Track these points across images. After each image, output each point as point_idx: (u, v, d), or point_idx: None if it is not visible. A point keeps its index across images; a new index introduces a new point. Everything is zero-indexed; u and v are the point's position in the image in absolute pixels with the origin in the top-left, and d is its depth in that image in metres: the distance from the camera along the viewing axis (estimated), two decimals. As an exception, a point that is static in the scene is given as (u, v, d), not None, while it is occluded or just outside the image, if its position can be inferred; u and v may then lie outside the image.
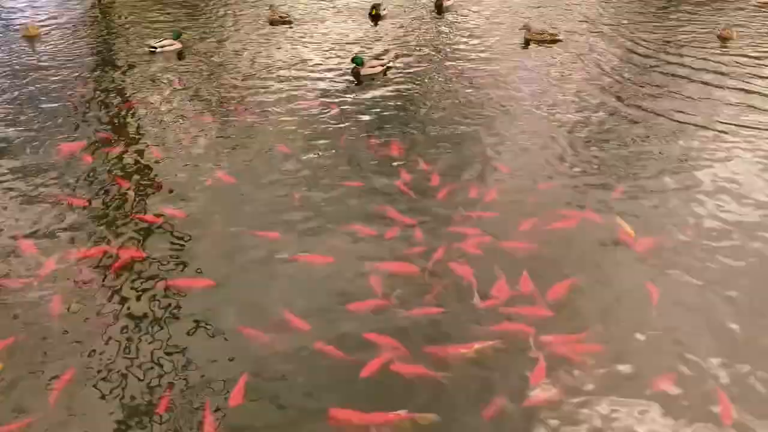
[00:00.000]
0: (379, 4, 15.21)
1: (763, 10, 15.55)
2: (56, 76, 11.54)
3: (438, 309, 5.69)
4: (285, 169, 8.16)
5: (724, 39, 13.00)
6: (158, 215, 7.13)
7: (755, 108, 9.87)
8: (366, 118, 9.75)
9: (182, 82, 11.28)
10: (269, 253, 6.47)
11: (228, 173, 8.00)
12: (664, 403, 4.77)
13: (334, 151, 8.66)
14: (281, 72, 11.69)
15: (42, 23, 14.72)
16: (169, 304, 5.80)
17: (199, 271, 6.26)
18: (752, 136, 8.97)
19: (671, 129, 9.23)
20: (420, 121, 9.63)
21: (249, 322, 5.54)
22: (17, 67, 12.05)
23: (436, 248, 6.45)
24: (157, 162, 8.42)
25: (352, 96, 10.59)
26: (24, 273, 6.21)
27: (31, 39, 13.68)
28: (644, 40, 13.26)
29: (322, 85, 11.09)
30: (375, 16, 15.10)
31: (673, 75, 11.36)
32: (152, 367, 5.13)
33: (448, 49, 13.11)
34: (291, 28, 14.57)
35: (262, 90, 10.86)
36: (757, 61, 11.82)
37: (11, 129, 9.34)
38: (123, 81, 11.41)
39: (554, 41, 13.22)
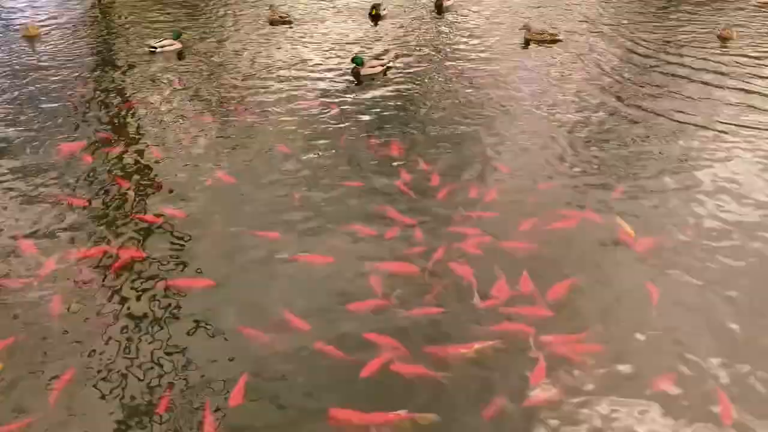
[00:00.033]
0: (379, 4, 15.20)
1: (763, 10, 15.54)
2: (56, 76, 11.53)
3: (438, 309, 5.69)
4: (285, 169, 8.16)
5: (724, 39, 13.00)
6: (158, 215, 7.13)
7: (755, 108, 9.87)
8: (366, 118, 9.75)
9: (182, 82, 11.28)
10: (269, 253, 6.47)
11: (228, 173, 8.00)
12: (664, 403, 4.76)
13: (334, 151, 8.66)
14: (281, 72, 11.69)
15: (42, 23, 14.71)
16: (169, 304, 5.80)
17: (199, 271, 6.26)
18: (752, 136, 8.97)
19: (671, 129, 9.24)
20: (420, 121, 9.63)
21: (249, 322, 5.54)
22: (17, 67, 12.05)
23: (436, 248, 6.45)
24: (157, 162, 8.42)
25: (352, 96, 10.59)
26: (24, 273, 6.21)
27: (31, 39, 13.68)
28: (644, 40, 13.26)
29: (322, 85, 11.09)
30: (375, 16, 15.10)
31: (673, 75, 11.36)
32: (152, 367, 5.14)
33: (448, 49, 13.11)
34: (291, 28, 14.56)
35: (262, 90, 10.85)
36: (757, 61, 11.82)
37: (11, 129, 9.34)
38: (123, 81, 11.41)
39: (554, 41, 13.22)
